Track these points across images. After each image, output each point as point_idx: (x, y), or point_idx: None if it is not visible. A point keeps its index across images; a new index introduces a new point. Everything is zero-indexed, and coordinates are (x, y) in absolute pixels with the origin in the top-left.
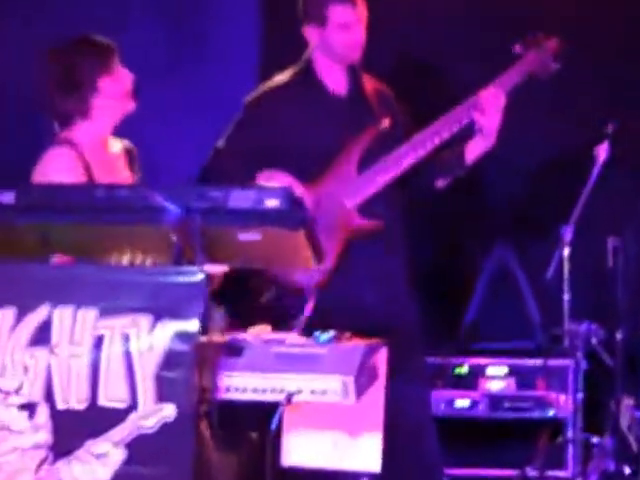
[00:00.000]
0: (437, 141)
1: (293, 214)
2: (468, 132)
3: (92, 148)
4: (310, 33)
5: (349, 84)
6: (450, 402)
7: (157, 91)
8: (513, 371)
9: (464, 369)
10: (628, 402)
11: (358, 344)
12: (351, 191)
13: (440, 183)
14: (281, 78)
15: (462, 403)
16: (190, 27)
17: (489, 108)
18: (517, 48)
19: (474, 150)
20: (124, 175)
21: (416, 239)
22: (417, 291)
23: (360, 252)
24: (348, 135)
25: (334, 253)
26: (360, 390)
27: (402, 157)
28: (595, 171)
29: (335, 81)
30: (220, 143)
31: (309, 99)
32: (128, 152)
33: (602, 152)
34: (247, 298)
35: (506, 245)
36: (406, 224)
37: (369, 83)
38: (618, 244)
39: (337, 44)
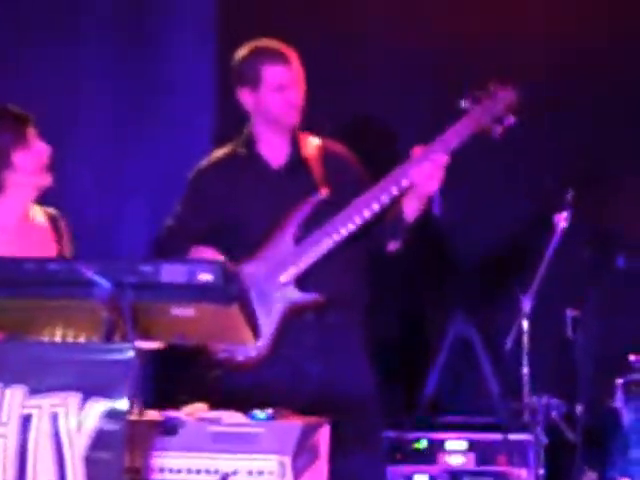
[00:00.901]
0: (376, 207)
1: (227, 289)
2: None
3: (6, 225)
4: (244, 96)
5: (289, 153)
6: (409, 477)
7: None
8: (473, 446)
9: (423, 444)
10: (591, 476)
11: (296, 422)
12: (286, 265)
13: (391, 246)
14: (223, 151)
15: (421, 478)
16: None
17: (427, 170)
18: (464, 102)
19: (412, 208)
20: (48, 247)
21: (375, 310)
22: (375, 363)
23: (303, 325)
24: (287, 207)
25: (273, 328)
26: (299, 470)
27: (338, 226)
28: (554, 240)
29: (275, 151)
30: (169, 221)
31: (249, 172)
32: (53, 222)
33: (561, 220)
34: (194, 375)
35: (466, 317)
36: (365, 294)
37: (316, 148)
38: (577, 315)
39: (272, 107)
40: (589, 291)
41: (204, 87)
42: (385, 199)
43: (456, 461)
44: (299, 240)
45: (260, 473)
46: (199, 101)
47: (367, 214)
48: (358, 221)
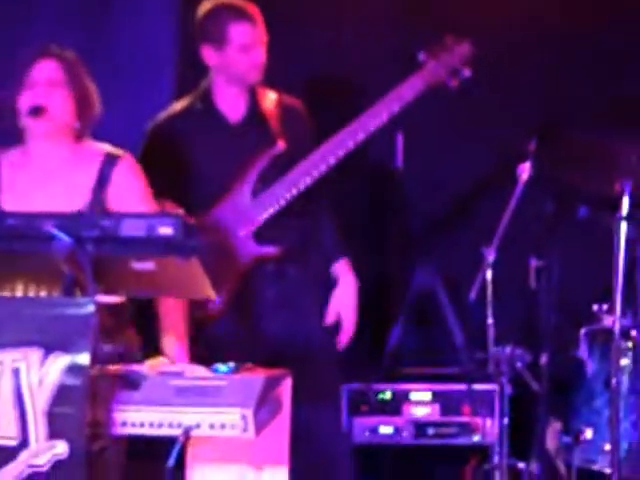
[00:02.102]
0: (332, 161)
1: (187, 242)
2: None
3: None
4: (208, 54)
5: (247, 107)
6: (374, 429)
7: None
8: (437, 397)
9: (387, 395)
10: (555, 426)
11: (259, 375)
12: (245, 218)
13: None
14: (180, 105)
15: (386, 430)
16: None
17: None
18: (421, 56)
19: None
20: None
21: None
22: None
23: (262, 280)
24: (245, 161)
25: (232, 282)
26: (261, 423)
27: (296, 180)
28: (517, 191)
29: (232, 106)
30: None
31: (206, 127)
32: None
33: (524, 172)
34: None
35: (429, 269)
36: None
37: (273, 102)
38: (540, 265)
39: (238, 65)
40: (552, 241)
41: (165, 43)
42: (342, 152)
43: (421, 412)
44: (257, 193)
45: (222, 426)
46: (161, 56)
47: (324, 167)
48: (316, 174)
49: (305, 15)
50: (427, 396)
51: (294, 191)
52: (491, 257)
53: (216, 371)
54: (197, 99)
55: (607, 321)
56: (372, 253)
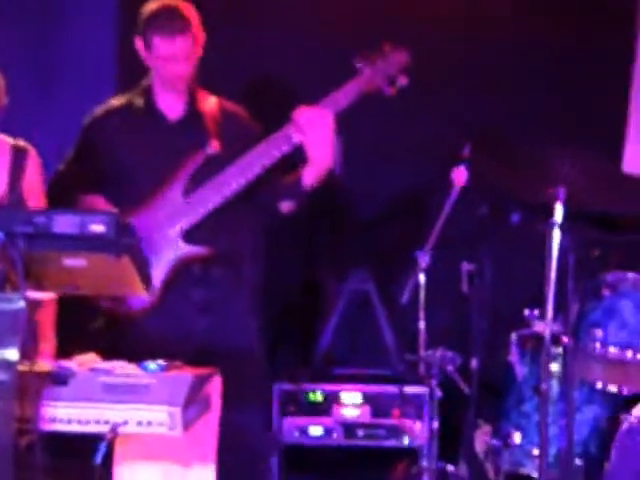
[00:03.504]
0: (264, 164)
1: (118, 240)
2: None
3: None
4: (139, 47)
5: (186, 108)
6: (303, 429)
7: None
8: (368, 398)
9: (318, 396)
10: (484, 429)
11: (187, 374)
12: (175, 218)
13: (285, 207)
14: (119, 101)
15: (316, 430)
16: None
17: (310, 128)
18: (357, 62)
19: (310, 174)
20: None
21: (272, 264)
22: (273, 317)
23: (190, 280)
24: (179, 160)
25: (161, 280)
26: (188, 421)
27: (226, 182)
28: (452, 196)
29: (171, 105)
30: (61, 165)
31: (144, 124)
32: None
33: (459, 176)
34: (77, 326)
35: (363, 271)
36: (257, 248)
37: (213, 105)
38: (472, 269)
39: (160, 72)
40: (484, 246)
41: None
42: (276, 154)
43: (351, 413)
44: (188, 193)
45: (150, 424)
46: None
47: (257, 170)
48: (248, 176)
49: (248, 17)
50: (357, 398)
51: (226, 193)
52: (424, 261)
53: (145, 369)
54: (137, 96)
55: (538, 326)
56: (305, 255)
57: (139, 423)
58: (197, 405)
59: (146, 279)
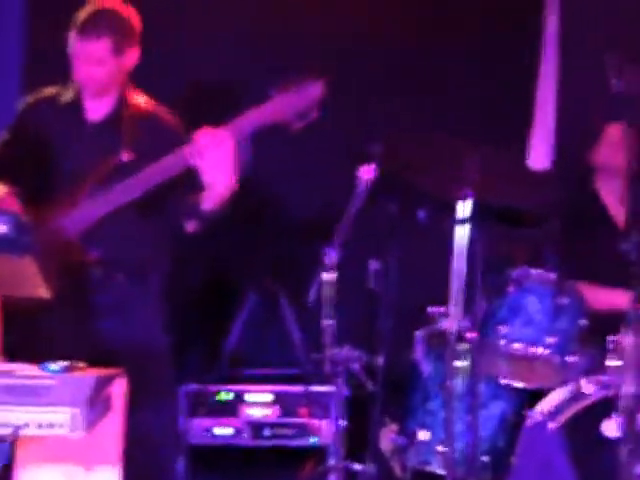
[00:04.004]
0: (158, 180)
1: (20, 240)
2: None
3: None
4: (68, 43)
5: (109, 110)
6: (211, 430)
7: None
8: (275, 398)
9: (225, 396)
10: (391, 427)
11: (90, 374)
12: (75, 221)
13: (189, 227)
14: (49, 91)
15: (224, 431)
16: None
17: (208, 152)
18: (272, 92)
19: (207, 198)
20: None
21: (178, 265)
22: (179, 317)
23: (96, 283)
24: (92, 162)
25: (59, 283)
26: (90, 422)
27: (122, 192)
28: (359, 193)
29: (98, 105)
30: None
31: (66, 120)
32: None
33: (366, 174)
34: None
35: (269, 270)
36: (165, 255)
37: (140, 110)
38: (379, 267)
39: (73, 71)
40: (391, 244)
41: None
42: (169, 174)
43: (258, 413)
44: (92, 199)
45: (51, 425)
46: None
47: (149, 186)
48: (137, 193)
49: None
50: (265, 397)
51: (110, 207)
52: (331, 258)
53: (47, 370)
54: (68, 90)
55: (443, 323)
56: (211, 256)
57: (40, 425)
58: (100, 406)
59: (50, 280)
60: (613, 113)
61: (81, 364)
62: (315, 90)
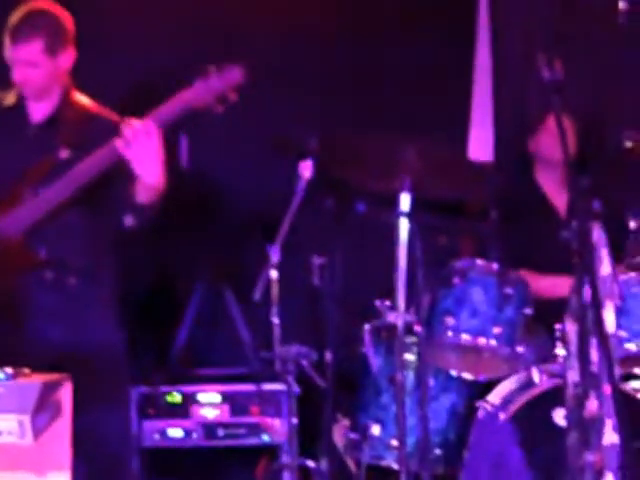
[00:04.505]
0: (92, 173)
1: None
2: None
3: None
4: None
5: (51, 111)
6: (163, 432)
7: None
8: (226, 398)
9: (176, 397)
10: (343, 423)
11: (36, 381)
12: (16, 221)
13: (128, 221)
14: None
15: (175, 432)
16: None
17: (135, 142)
18: (191, 76)
19: (140, 190)
20: None
21: (125, 266)
22: (125, 319)
23: (42, 286)
24: (32, 163)
25: (5, 287)
26: (39, 429)
27: (59, 188)
28: (299, 189)
29: (38, 107)
30: None
31: (9, 123)
32: None
33: (306, 169)
34: None
35: (216, 269)
36: (111, 252)
37: (80, 110)
38: (323, 262)
39: (13, 75)
40: (334, 238)
41: None
42: (101, 167)
43: (210, 413)
44: (34, 196)
45: None
46: None
47: (83, 181)
48: (72, 188)
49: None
50: (216, 397)
51: (49, 206)
52: (275, 256)
53: None
54: (9, 94)
55: (390, 317)
56: (157, 254)
57: None
58: (48, 412)
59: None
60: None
61: (26, 370)
62: (234, 74)
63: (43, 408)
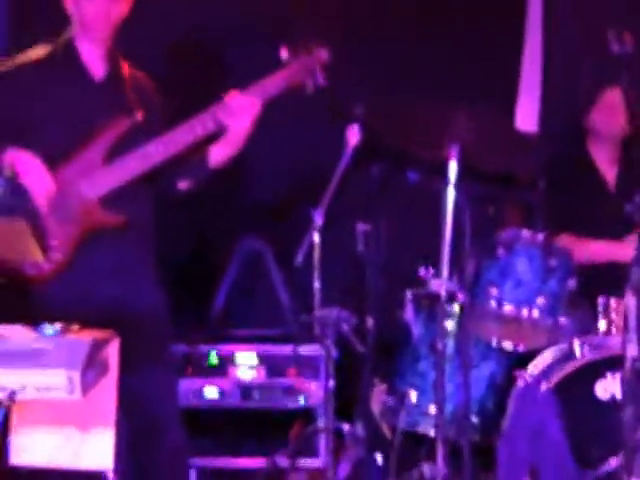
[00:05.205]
0: (189, 140)
1: (13, 203)
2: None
3: None
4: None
5: (108, 68)
6: (199, 391)
7: None
8: (263, 359)
9: (213, 357)
10: (380, 388)
11: (85, 337)
12: (94, 182)
13: (182, 185)
14: (39, 52)
15: (211, 392)
16: None
17: (241, 114)
18: (283, 53)
19: (219, 154)
20: None
21: (166, 229)
22: (166, 279)
23: (100, 245)
24: (101, 121)
25: (70, 245)
26: (87, 385)
27: (150, 154)
28: (345, 155)
29: (94, 62)
30: None
31: (66, 78)
32: None
33: (353, 135)
34: None
35: (256, 231)
36: (155, 214)
37: (127, 71)
38: (368, 229)
39: (84, 13)
40: (380, 206)
41: None
42: (200, 131)
43: (246, 374)
44: (109, 159)
45: (48, 389)
46: None
47: (181, 145)
48: (171, 151)
49: None
50: (253, 359)
51: (147, 164)
52: (319, 220)
53: (42, 333)
54: (58, 49)
55: (433, 285)
56: (197, 217)
57: (37, 388)
58: (96, 368)
59: (43, 244)
60: (611, 77)
61: (75, 326)
62: (323, 53)
63: (92, 365)
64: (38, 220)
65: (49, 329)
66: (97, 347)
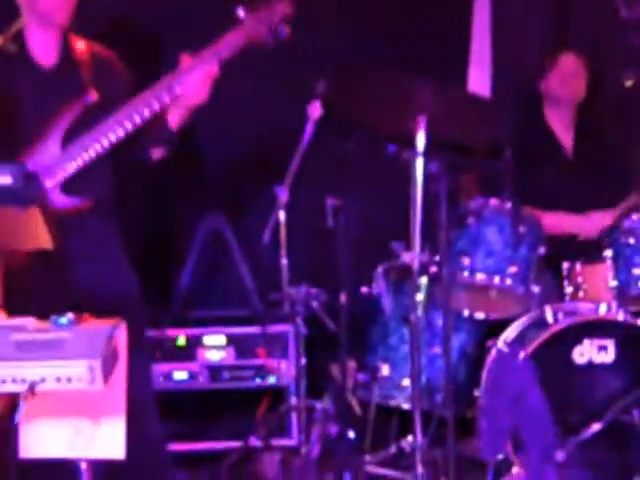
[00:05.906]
0: (146, 113)
1: (26, 191)
2: None
3: None
4: None
5: (60, 53)
6: (168, 375)
7: None
8: (231, 340)
9: (181, 340)
10: (351, 365)
11: (101, 325)
12: (53, 169)
13: (156, 154)
14: None
15: (181, 375)
16: None
17: (194, 80)
18: (240, 11)
19: (178, 118)
20: None
21: (127, 208)
22: (129, 259)
23: (70, 230)
24: (56, 109)
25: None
26: (107, 374)
27: (107, 132)
28: (308, 130)
29: (46, 50)
30: None
31: (18, 71)
32: None
33: (314, 111)
34: None
35: (218, 211)
36: (118, 193)
37: (84, 51)
38: (337, 204)
39: (40, 3)
40: (349, 180)
41: None
42: (156, 105)
43: (215, 356)
44: (66, 144)
45: (69, 379)
46: None
47: (137, 120)
48: (128, 127)
49: None
50: (221, 340)
51: (105, 144)
52: (284, 197)
53: (57, 323)
54: (8, 41)
55: (404, 257)
56: (159, 197)
57: (58, 379)
58: (111, 357)
59: (54, 231)
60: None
61: (85, 315)
62: (283, 5)
63: (109, 353)
64: (48, 208)
65: (62, 319)
66: (112, 335)
